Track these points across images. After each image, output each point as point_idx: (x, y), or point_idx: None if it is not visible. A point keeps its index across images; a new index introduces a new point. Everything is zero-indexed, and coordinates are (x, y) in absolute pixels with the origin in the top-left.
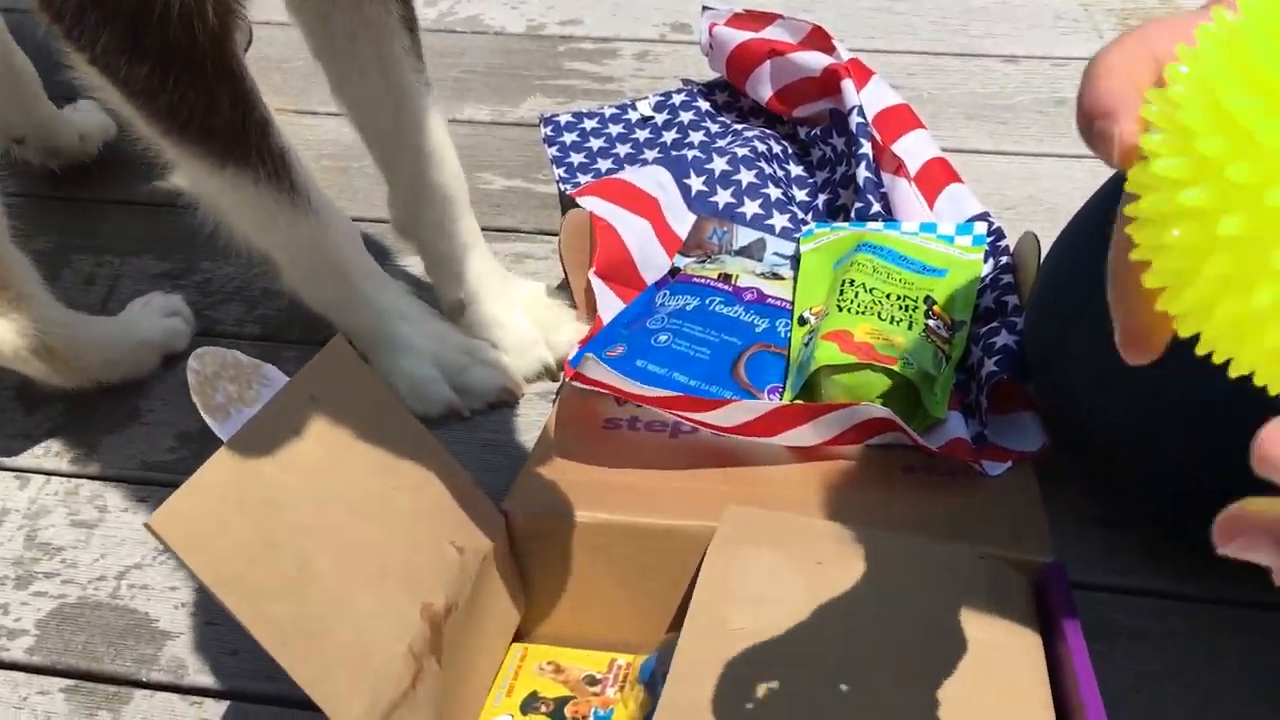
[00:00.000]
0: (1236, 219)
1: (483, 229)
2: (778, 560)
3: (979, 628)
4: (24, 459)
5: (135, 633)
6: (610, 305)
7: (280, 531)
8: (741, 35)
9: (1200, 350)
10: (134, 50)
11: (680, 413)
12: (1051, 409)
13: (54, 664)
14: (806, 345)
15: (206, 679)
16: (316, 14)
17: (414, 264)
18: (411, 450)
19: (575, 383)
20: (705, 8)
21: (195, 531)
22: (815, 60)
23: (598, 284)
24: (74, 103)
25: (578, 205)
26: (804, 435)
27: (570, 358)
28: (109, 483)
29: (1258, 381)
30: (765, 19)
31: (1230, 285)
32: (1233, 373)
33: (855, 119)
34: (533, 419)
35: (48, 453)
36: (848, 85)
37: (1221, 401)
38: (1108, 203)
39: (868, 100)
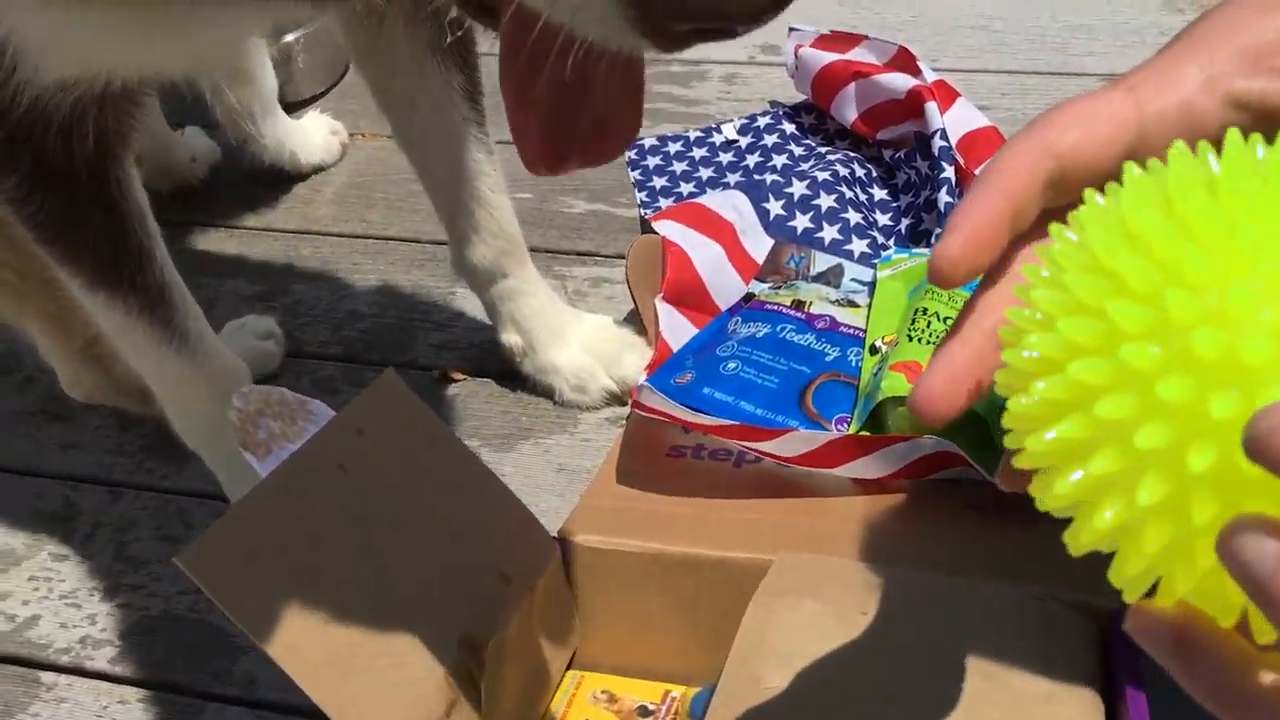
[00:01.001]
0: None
1: (563, 253)
2: (820, 611)
3: (1033, 679)
4: (117, 474)
5: (212, 647)
6: (681, 330)
7: (317, 566)
8: (827, 57)
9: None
10: (6, 155)
11: (740, 442)
12: None
13: (134, 675)
14: (875, 375)
15: (276, 694)
16: (380, 76)
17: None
18: (462, 480)
19: (636, 411)
20: (792, 29)
21: (224, 569)
22: (900, 82)
23: (666, 309)
24: (181, 128)
25: (654, 229)
26: (866, 467)
27: (638, 384)
28: (196, 499)
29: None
30: (851, 40)
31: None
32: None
33: (938, 142)
34: (603, 444)
35: (139, 468)
36: (931, 108)
37: None
38: None
39: (952, 123)
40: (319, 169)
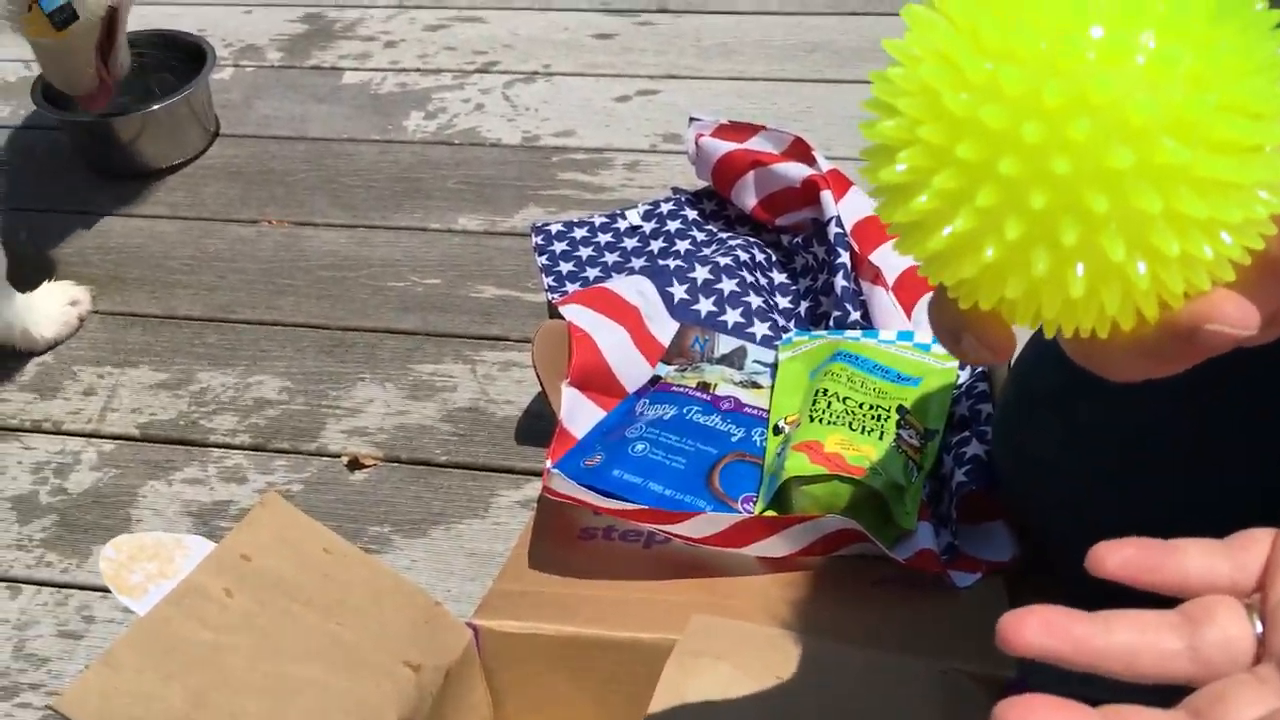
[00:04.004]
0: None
1: (472, 337)
2: (734, 674)
3: None
4: (16, 569)
5: None
6: (588, 414)
7: (208, 693)
8: (726, 146)
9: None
10: None
11: (650, 525)
12: (1022, 503)
13: None
14: (779, 455)
15: None
16: None
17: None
18: (359, 583)
19: (547, 496)
20: (692, 118)
21: (108, 707)
22: (796, 171)
23: (572, 394)
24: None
25: (561, 313)
26: (773, 546)
27: (548, 469)
28: (99, 593)
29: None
30: (749, 130)
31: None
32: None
33: (833, 229)
34: (515, 527)
35: (39, 563)
36: (826, 196)
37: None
38: None
39: (846, 210)
40: (54, 344)
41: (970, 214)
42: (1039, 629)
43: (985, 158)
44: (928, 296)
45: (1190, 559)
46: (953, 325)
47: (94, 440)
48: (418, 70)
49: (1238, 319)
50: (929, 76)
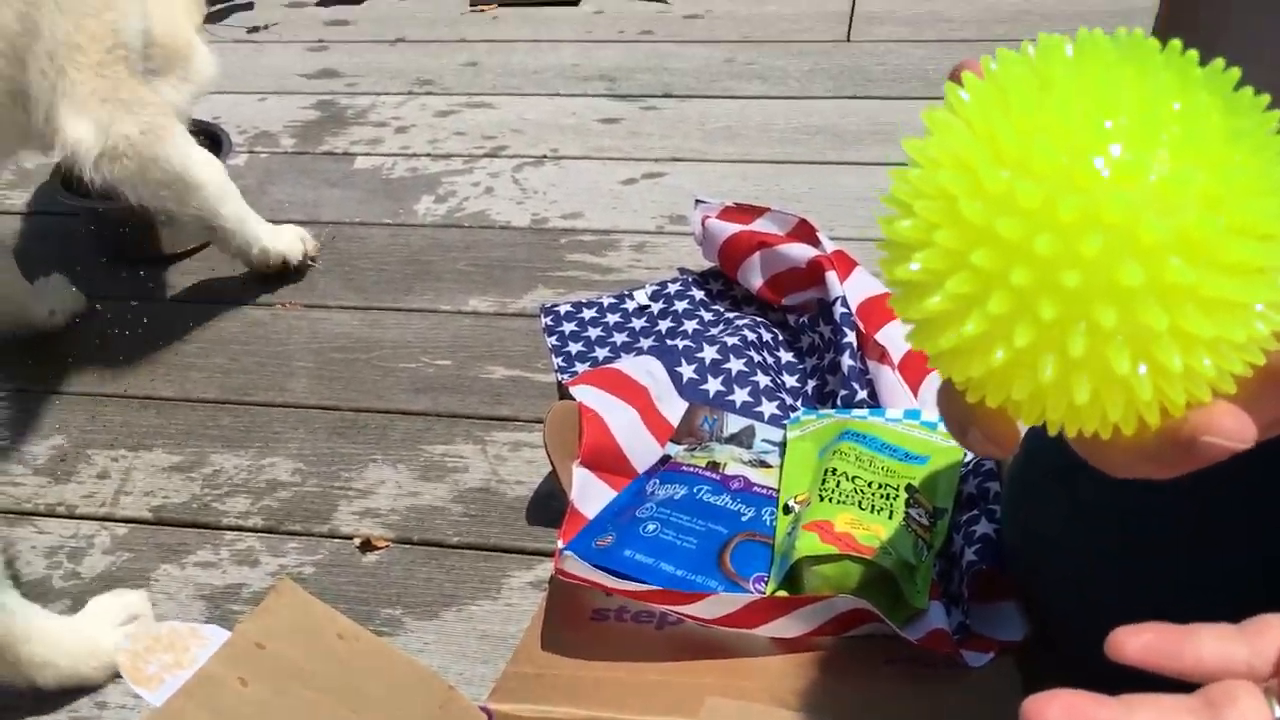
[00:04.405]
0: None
1: (482, 418)
2: None
3: None
4: None
5: None
6: (599, 494)
7: None
8: (732, 228)
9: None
10: None
11: (663, 606)
12: (1027, 579)
13: None
14: (790, 535)
15: None
16: None
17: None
18: (373, 669)
19: (559, 577)
20: (698, 201)
21: None
22: (801, 252)
23: (583, 474)
24: (47, 276)
25: (571, 394)
26: (785, 626)
27: (560, 550)
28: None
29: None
30: (754, 212)
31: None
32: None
33: (839, 309)
34: (527, 609)
35: None
36: (831, 277)
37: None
38: None
39: (851, 290)
40: None
41: (981, 318)
42: (1061, 713)
43: (998, 266)
44: (934, 375)
45: (1206, 644)
46: (960, 418)
47: (107, 524)
48: (428, 155)
49: (1235, 433)
50: (947, 182)
